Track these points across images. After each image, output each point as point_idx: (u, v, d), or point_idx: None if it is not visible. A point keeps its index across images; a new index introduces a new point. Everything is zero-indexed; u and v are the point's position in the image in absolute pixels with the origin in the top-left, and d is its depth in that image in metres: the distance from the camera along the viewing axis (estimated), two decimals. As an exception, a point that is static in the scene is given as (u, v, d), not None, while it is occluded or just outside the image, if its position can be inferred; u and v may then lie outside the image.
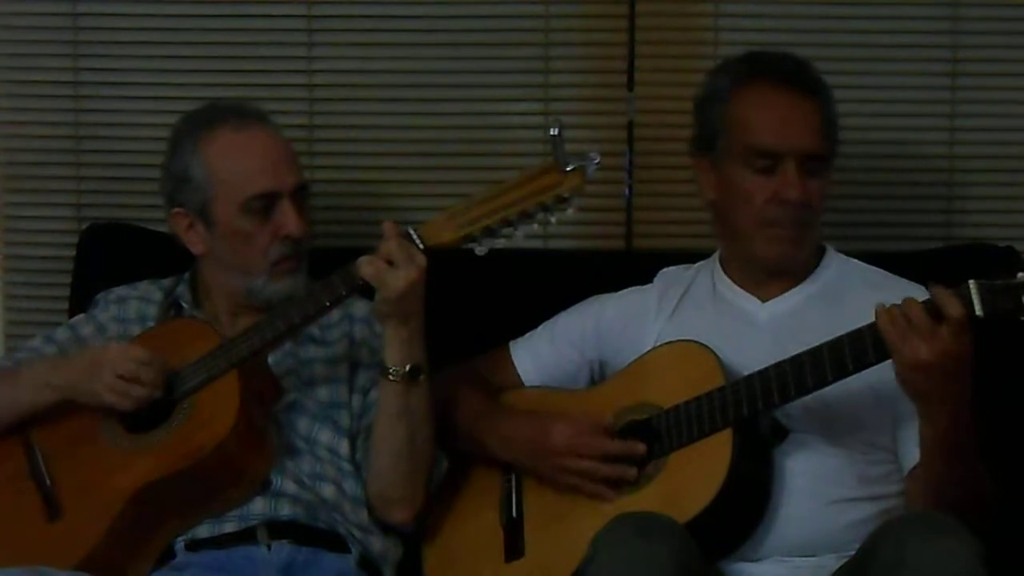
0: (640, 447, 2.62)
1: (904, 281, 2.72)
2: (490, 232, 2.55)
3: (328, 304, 2.67)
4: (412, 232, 2.59)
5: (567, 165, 2.51)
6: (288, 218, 2.78)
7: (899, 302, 2.41)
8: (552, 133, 2.51)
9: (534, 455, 2.71)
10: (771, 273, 2.75)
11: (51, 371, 2.77)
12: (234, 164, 2.80)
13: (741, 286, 2.78)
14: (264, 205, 2.78)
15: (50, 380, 2.75)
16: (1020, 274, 2.34)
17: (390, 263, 2.56)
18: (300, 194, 2.82)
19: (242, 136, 2.82)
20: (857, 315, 2.48)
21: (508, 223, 2.55)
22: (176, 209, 2.85)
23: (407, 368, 2.64)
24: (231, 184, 2.79)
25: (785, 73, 2.75)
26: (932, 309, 2.36)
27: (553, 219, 2.55)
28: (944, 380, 2.38)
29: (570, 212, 2.54)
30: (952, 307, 2.35)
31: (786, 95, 2.72)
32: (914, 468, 2.58)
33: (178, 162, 2.84)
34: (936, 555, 2.28)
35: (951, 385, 2.39)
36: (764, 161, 2.68)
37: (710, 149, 2.76)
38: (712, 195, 2.77)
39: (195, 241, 2.86)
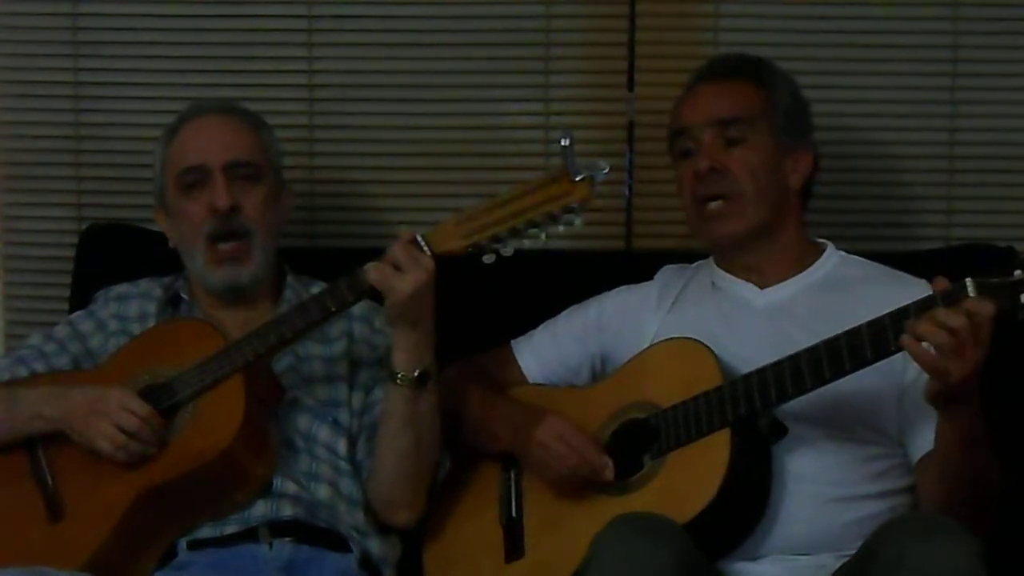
0: (609, 472, 2.62)
1: (905, 275, 2.73)
2: (497, 240, 2.55)
3: (334, 310, 2.67)
4: (420, 238, 2.59)
5: (577, 175, 2.51)
6: (215, 190, 2.80)
7: (902, 297, 2.42)
8: (563, 144, 2.51)
9: (527, 444, 2.71)
10: (743, 253, 2.76)
11: (48, 402, 2.74)
12: (177, 147, 2.87)
13: (736, 275, 2.80)
14: (196, 180, 2.82)
15: (44, 412, 2.73)
16: (1017, 272, 2.34)
17: (397, 268, 2.56)
18: (238, 171, 2.83)
19: (195, 124, 2.89)
20: (858, 307, 2.50)
21: (516, 232, 2.55)
22: (154, 204, 2.93)
23: (416, 374, 2.64)
24: (172, 164, 2.87)
25: (708, 67, 2.88)
26: (962, 309, 2.34)
27: (561, 228, 2.55)
28: (972, 383, 2.38)
29: (578, 222, 2.55)
30: (985, 307, 2.33)
31: (704, 83, 2.83)
32: (924, 457, 2.57)
33: (153, 159, 2.93)
34: (936, 556, 2.27)
35: (973, 384, 2.39)
36: (682, 142, 2.78)
37: (671, 154, 2.85)
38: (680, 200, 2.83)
39: (170, 234, 2.91)
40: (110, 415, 2.66)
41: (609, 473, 2.62)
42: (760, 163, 2.74)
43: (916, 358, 2.36)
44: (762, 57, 2.87)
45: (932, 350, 2.33)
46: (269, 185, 2.88)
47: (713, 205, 2.74)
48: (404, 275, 2.56)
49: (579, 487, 2.65)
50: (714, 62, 2.91)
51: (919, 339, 2.35)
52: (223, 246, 2.82)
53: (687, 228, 2.86)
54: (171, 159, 2.88)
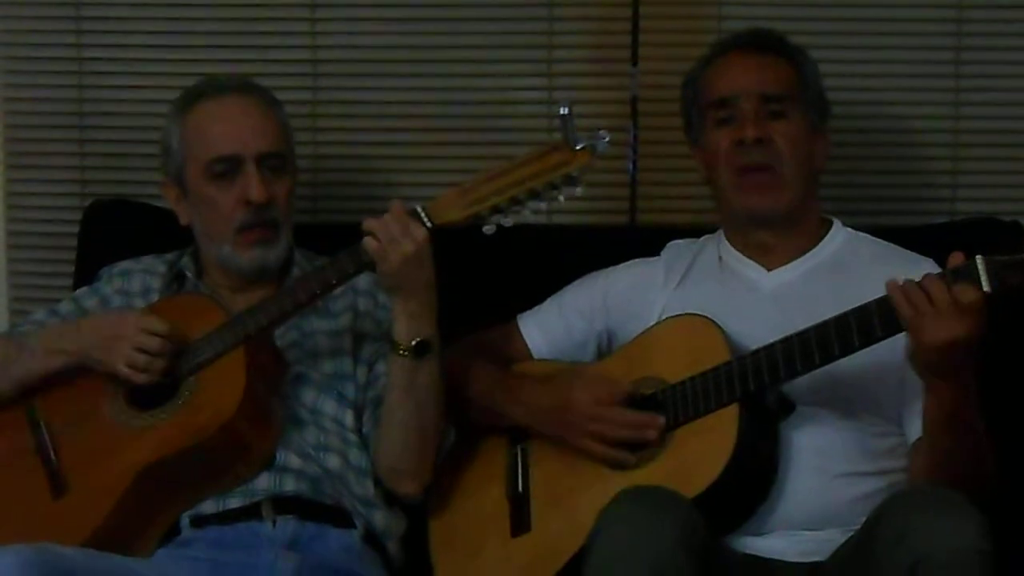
0: (659, 419, 2.62)
1: (912, 254, 2.73)
2: (498, 210, 2.56)
3: (335, 282, 2.68)
4: (420, 210, 2.59)
5: (577, 144, 2.51)
6: (250, 183, 2.79)
7: (907, 275, 2.42)
8: (562, 112, 2.50)
9: (557, 423, 2.70)
10: (765, 229, 2.76)
11: (64, 336, 2.77)
12: (202, 130, 2.84)
13: (746, 254, 2.79)
14: (227, 169, 2.80)
15: (63, 345, 2.75)
16: (1028, 249, 2.35)
17: (390, 237, 2.57)
18: (269, 162, 2.82)
19: (215, 104, 2.86)
20: (865, 287, 2.49)
21: (516, 202, 2.55)
22: (163, 179, 2.91)
23: (413, 344, 2.64)
24: (197, 149, 2.83)
25: (740, 39, 2.87)
26: (951, 287, 2.37)
27: (561, 198, 2.56)
28: (957, 357, 2.39)
29: (578, 191, 2.56)
30: (968, 291, 2.35)
31: (739, 54, 2.82)
32: (917, 440, 2.59)
33: (165, 134, 2.90)
34: (941, 530, 2.28)
35: (962, 361, 2.40)
36: (723, 111, 2.76)
37: (692, 129, 2.85)
38: (704, 172, 2.83)
39: (181, 212, 2.90)
40: (130, 338, 2.68)
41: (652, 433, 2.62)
42: (800, 139, 2.75)
43: (896, 305, 2.39)
44: (783, 34, 2.86)
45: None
46: (292, 173, 2.88)
47: (755, 175, 2.73)
48: (396, 244, 2.57)
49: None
50: (743, 35, 2.89)
51: (903, 289, 2.38)
52: (254, 231, 2.81)
53: (694, 202, 2.86)
54: (194, 141, 2.84)
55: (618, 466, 2.63)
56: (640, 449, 2.62)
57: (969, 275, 2.36)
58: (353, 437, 2.78)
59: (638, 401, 2.66)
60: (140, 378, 2.69)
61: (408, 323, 2.64)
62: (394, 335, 2.66)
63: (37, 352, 2.77)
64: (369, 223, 2.60)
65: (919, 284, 2.39)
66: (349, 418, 2.79)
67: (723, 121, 2.76)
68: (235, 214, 2.80)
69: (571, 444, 2.68)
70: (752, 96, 2.74)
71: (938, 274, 2.41)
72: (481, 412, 2.82)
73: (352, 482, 2.75)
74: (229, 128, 2.82)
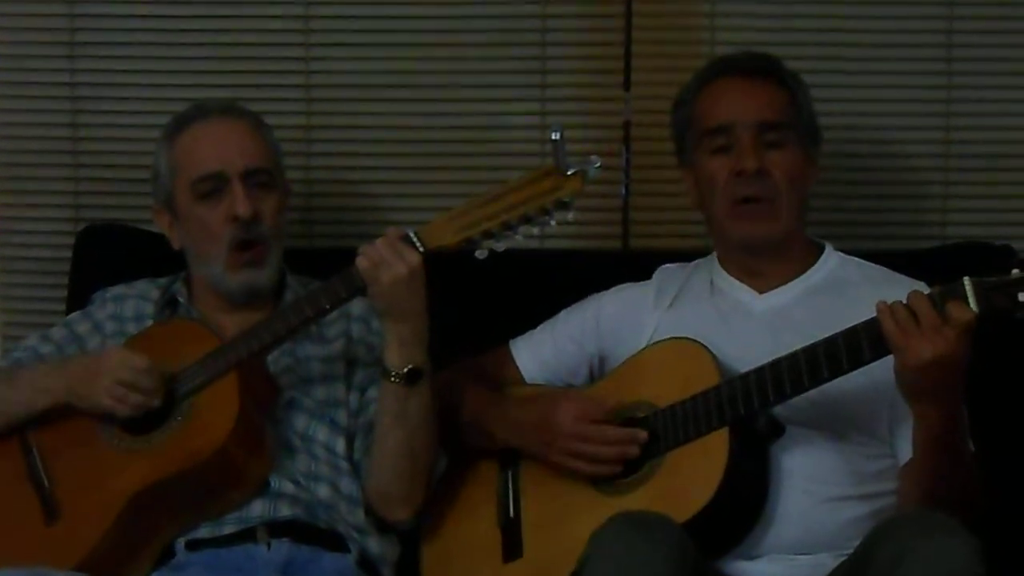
0: (642, 434, 2.62)
1: (904, 278, 2.72)
2: (490, 235, 2.56)
3: (328, 307, 2.68)
4: (412, 234, 2.60)
5: (568, 169, 2.52)
6: (235, 199, 2.79)
7: (899, 297, 2.42)
8: (553, 138, 2.51)
9: (541, 439, 2.71)
10: (757, 257, 2.76)
11: (49, 375, 2.77)
12: (188, 152, 2.85)
13: (737, 278, 2.80)
14: (213, 188, 2.81)
15: (48, 384, 2.75)
16: (1015, 271, 2.35)
17: (382, 261, 2.58)
18: (254, 178, 2.83)
19: (201, 127, 2.87)
20: (856, 310, 2.49)
21: (509, 227, 2.55)
22: (155, 205, 2.92)
23: (406, 370, 2.64)
24: (184, 171, 2.84)
25: (735, 62, 2.85)
26: (938, 306, 2.37)
27: (553, 222, 2.56)
28: (942, 379, 2.39)
29: (570, 216, 2.56)
30: (960, 311, 2.35)
31: (735, 79, 2.80)
32: (906, 463, 2.58)
33: (155, 160, 2.91)
34: (935, 554, 2.28)
35: (948, 384, 2.40)
36: (719, 139, 2.75)
37: (684, 152, 2.84)
38: (696, 196, 2.82)
39: (174, 237, 2.91)
40: (112, 371, 2.68)
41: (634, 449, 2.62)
42: (795, 169, 2.75)
43: (882, 324, 2.39)
44: (778, 58, 2.87)
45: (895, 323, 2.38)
46: (281, 190, 2.89)
47: (750, 205, 2.73)
48: (387, 267, 2.57)
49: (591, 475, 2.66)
50: (738, 58, 2.88)
51: (891, 309, 2.39)
52: (244, 253, 2.82)
53: (685, 227, 2.86)
54: (181, 163, 2.86)
55: (608, 489, 2.63)
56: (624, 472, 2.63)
57: (956, 295, 2.37)
58: (344, 465, 2.78)
59: (623, 420, 2.66)
60: (121, 410, 2.68)
61: (400, 350, 2.64)
62: (386, 362, 2.66)
63: (25, 391, 2.77)
64: (363, 248, 2.61)
65: (905, 303, 2.39)
66: (340, 445, 2.79)
67: (719, 149, 2.75)
68: (223, 232, 2.80)
69: (553, 462, 2.69)
70: (750, 126, 2.73)
71: (926, 294, 2.41)
72: (470, 434, 2.82)
73: (343, 511, 2.75)
74: (214, 147, 2.84)
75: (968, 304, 2.36)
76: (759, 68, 2.82)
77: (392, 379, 2.65)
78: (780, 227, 2.74)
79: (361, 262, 2.60)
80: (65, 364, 2.79)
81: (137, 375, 2.67)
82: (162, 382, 2.69)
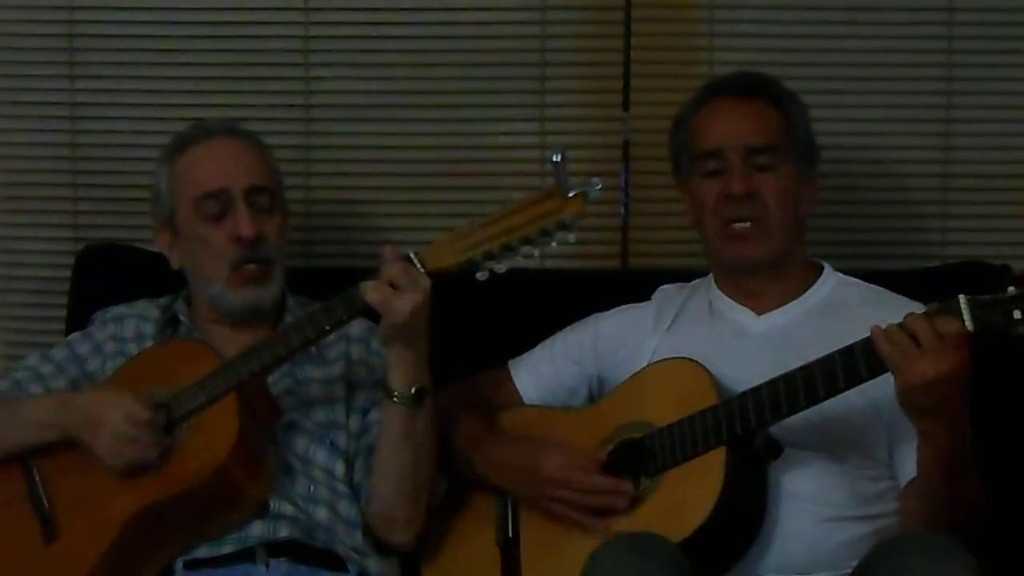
0: (626, 486, 2.62)
1: (902, 298, 2.72)
2: (491, 256, 2.55)
3: (328, 328, 2.67)
4: (412, 256, 2.58)
5: (569, 191, 2.52)
6: (239, 219, 2.79)
7: (897, 319, 2.42)
8: (554, 160, 2.51)
9: (525, 484, 2.71)
10: (752, 277, 2.76)
11: (52, 412, 2.75)
12: (190, 171, 2.85)
13: (735, 300, 2.80)
14: (217, 208, 2.81)
15: (50, 421, 2.74)
16: (1011, 288, 2.35)
17: (394, 288, 2.55)
18: (257, 198, 2.83)
19: (202, 147, 2.87)
20: (855, 330, 2.48)
21: (509, 248, 2.54)
22: (154, 225, 2.92)
23: (412, 391, 2.64)
24: (186, 190, 2.84)
25: (730, 83, 2.86)
26: (934, 322, 2.37)
27: (554, 244, 2.55)
28: (945, 395, 2.38)
29: (571, 238, 2.55)
30: (949, 324, 2.36)
31: (728, 100, 2.82)
32: (908, 484, 2.58)
33: (155, 180, 2.91)
34: (936, 574, 2.28)
35: (951, 399, 2.40)
36: (711, 163, 2.76)
37: (681, 174, 2.85)
38: (693, 215, 2.83)
39: (173, 257, 2.91)
40: (113, 426, 2.66)
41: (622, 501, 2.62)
42: (786, 191, 2.75)
43: (877, 346, 2.40)
44: (774, 78, 2.88)
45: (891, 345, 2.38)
46: (282, 211, 2.89)
47: (739, 226, 2.73)
48: (403, 295, 2.54)
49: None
50: (733, 79, 2.89)
51: (887, 333, 2.39)
52: (247, 269, 2.81)
53: (685, 247, 2.87)
54: (183, 182, 2.85)
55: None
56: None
57: (951, 313, 2.37)
58: (343, 488, 2.78)
59: (613, 463, 2.66)
60: (116, 464, 2.67)
61: (406, 372, 2.63)
62: (391, 384, 2.65)
63: (27, 427, 2.76)
64: (371, 284, 2.57)
65: (901, 325, 2.39)
66: (340, 468, 2.79)
67: (711, 172, 2.76)
68: (227, 251, 2.81)
69: (540, 507, 2.69)
70: (738, 149, 2.74)
71: (921, 313, 2.41)
72: (462, 464, 2.81)
73: (341, 533, 2.74)
74: (216, 166, 2.84)
75: (964, 321, 2.36)
76: (752, 88, 2.82)
77: (396, 400, 2.64)
78: (771, 248, 2.74)
79: (373, 296, 2.56)
80: (68, 403, 2.77)
81: (138, 431, 2.66)
82: (161, 437, 2.68)
